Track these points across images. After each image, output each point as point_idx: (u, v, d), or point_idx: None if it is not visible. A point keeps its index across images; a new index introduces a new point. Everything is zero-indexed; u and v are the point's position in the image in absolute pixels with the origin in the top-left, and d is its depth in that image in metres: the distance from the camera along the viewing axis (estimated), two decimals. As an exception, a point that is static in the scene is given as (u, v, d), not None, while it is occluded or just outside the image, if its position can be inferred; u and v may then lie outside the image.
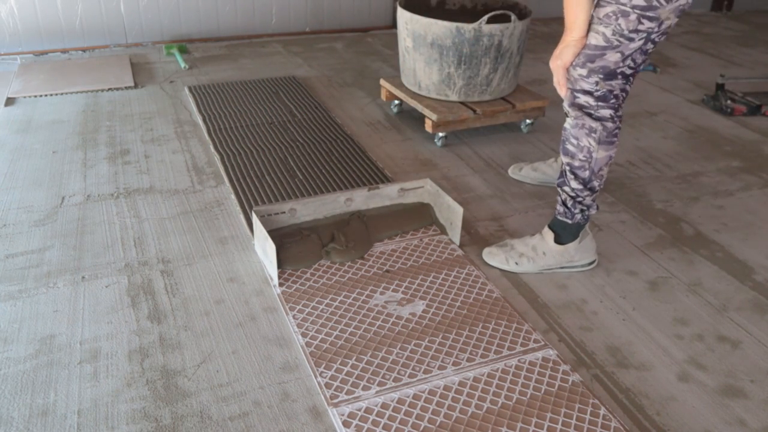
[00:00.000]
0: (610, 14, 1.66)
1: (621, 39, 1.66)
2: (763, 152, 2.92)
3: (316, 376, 1.57)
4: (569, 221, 1.93)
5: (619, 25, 1.64)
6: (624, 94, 1.79)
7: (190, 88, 3.37)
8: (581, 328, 1.78)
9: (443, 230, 2.18)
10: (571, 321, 1.80)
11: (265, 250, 1.92)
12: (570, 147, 1.86)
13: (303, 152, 2.70)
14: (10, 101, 3.19)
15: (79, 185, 2.43)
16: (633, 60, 1.71)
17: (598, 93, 1.76)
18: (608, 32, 1.67)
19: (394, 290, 1.88)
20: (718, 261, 2.10)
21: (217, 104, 3.18)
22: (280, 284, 1.89)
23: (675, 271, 2.03)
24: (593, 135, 1.81)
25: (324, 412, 1.48)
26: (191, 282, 1.91)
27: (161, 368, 1.59)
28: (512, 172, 2.58)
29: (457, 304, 1.83)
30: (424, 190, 2.27)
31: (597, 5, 1.68)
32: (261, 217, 2.01)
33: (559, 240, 1.97)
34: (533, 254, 1.98)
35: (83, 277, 1.91)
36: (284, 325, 1.74)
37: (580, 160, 1.84)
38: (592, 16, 1.69)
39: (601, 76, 1.73)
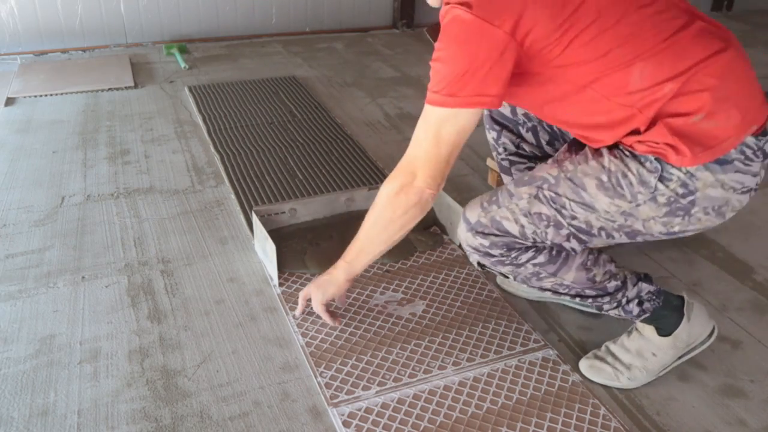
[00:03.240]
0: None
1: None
2: (763, 152, 2.92)
3: (316, 376, 1.57)
4: (640, 317, 1.55)
5: (544, 230, 1.38)
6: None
7: (190, 88, 3.37)
8: (581, 328, 1.78)
9: (443, 230, 2.18)
10: (571, 321, 1.80)
11: (265, 250, 1.92)
12: (547, 288, 1.53)
13: (303, 152, 2.70)
14: (10, 101, 3.19)
15: (79, 185, 2.43)
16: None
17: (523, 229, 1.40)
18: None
19: (394, 290, 1.88)
20: (718, 261, 2.10)
21: (217, 104, 3.18)
22: (280, 284, 1.89)
23: (675, 271, 2.03)
24: (541, 276, 1.47)
25: (324, 412, 1.48)
26: (191, 282, 1.91)
27: (161, 368, 1.59)
28: (501, 281, 1.93)
29: (457, 304, 1.83)
30: None
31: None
32: (261, 217, 2.01)
33: (663, 332, 1.55)
34: (642, 361, 1.56)
35: (83, 277, 1.91)
36: (284, 325, 1.74)
37: (566, 292, 1.52)
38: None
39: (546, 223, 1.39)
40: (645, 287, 1.52)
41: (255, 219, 1.97)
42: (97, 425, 1.43)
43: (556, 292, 1.52)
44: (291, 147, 2.74)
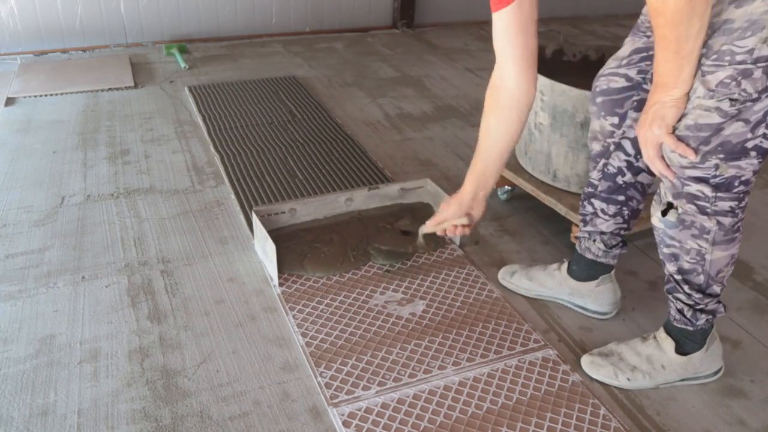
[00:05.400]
0: (727, 81, 1.23)
1: (742, 106, 1.25)
2: (763, 152, 2.92)
3: (316, 376, 1.57)
4: (690, 328, 1.54)
5: (744, 90, 1.22)
6: (755, 176, 1.34)
7: (190, 88, 3.37)
8: (581, 328, 1.78)
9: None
10: (571, 321, 1.80)
11: (265, 250, 1.92)
12: (668, 252, 1.46)
13: (303, 152, 2.70)
14: (10, 101, 3.19)
15: (79, 185, 2.43)
16: None
17: (718, 180, 1.32)
18: (724, 105, 1.25)
19: (394, 290, 1.88)
20: (718, 261, 2.10)
21: (217, 104, 3.18)
22: (280, 284, 1.88)
23: (675, 271, 2.03)
24: (705, 236, 1.38)
25: (324, 412, 1.48)
26: (191, 282, 1.91)
27: (161, 368, 1.59)
28: (502, 277, 1.96)
29: (457, 304, 1.83)
30: (424, 190, 2.26)
31: (701, 72, 1.26)
32: (261, 217, 2.00)
33: (681, 350, 1.57)
34: (649, 368, 1.57)
35: (83, 277, 1.91)
36: (284, 325, 1.74)
37: (688, 262, 1.44)
38: (696, 87, 1.27)
39: (722, 156, 1.29)
40: (721, 310, 1.51)
41: (255, 219, 1.97)
42: (97, 425, 1.43)
43: (673, 257, 1.45)
44: (291, 147, 2.74)
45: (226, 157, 2.64)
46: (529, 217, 2.31)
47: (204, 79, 3.56)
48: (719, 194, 1.33)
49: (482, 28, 4.81)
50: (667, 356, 1.57)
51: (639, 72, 1.53)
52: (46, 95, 3.28)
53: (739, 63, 1.21)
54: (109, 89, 3.38)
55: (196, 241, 2.10)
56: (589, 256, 1.76)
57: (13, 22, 3.80)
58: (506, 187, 2.40)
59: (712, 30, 1.24)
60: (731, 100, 1.24)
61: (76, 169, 2.55)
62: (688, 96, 1.28)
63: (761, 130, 1.27)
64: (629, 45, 1.55)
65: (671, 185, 1.38)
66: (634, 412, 1.52)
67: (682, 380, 1.59)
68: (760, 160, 1.31)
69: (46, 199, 2.33)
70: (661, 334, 1.59)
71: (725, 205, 1.34)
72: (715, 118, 1.26)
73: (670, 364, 1.56)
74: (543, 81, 2.00)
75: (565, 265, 1.85)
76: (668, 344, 1.57)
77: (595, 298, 1.80)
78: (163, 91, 3.40)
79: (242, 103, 3.20)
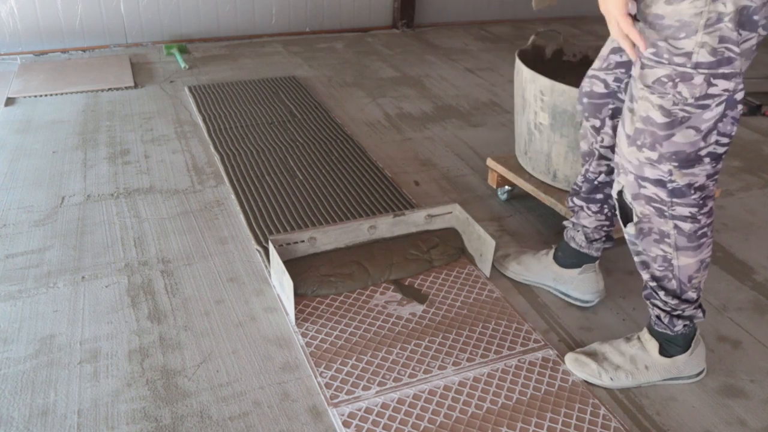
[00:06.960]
0: (664, 80, 1.23)
1: (688, 109, 1.23)
2: (763, 152, 2.92)
3: (316, 376, 1.57)
4: (670, 333, 1.55)
5: (680, 93, 1.22)
6: (714, 181, 1.34)
7: (190, 88, 3.37)
8: (581, 328, 1.78)
9: (472, 261, 2.03)
10: (571, 321, 1.80)
11: (282, 283, 1.79)
12: (639, 260, 1.49)
13: (303, 152, 2.70)
14: (10, 101, 3.19)
15: (79, 185, 2.43)
16: (720, 133, 1.26)
17: (673, 185, 1.32)
18: (666, 103, 1.25)
19: (394, 290, 1.88)
20: (718, 261, 2.10)
21: (217, 104, 3.18)
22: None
23: (675, 271, 2.03)
24: (666, 240, 1.39)
25: (324, 412, 1.48)
26: (191, 282, 1.91)
27: (161, 368, 1.59)
28: (495, 259, 1.98)
29: (457, 304, 1.83)
30: (452, 216, 2.12)
31: (640, 63, 1.27)
32: (278, 247, 1.86)
33: (665, 352, 1.56)
34: (632, 368, 1.57)
35: (83, 277, 1.91)
36: (284, 325, 1.74)
37: (658, 269, 1.45)
38: (636, 78, 1.27)
39: (676, 164, 1.29)
40: (699, 315, 1.52)
41: (272, 250, 1.84)
42: (97, 425, 1.43)
43: (644, 265, 1.47)
44: (291, 147, 2.74)
45: (226, 157, 2.64)
46: (529, 217, 2.31)
47: (204, 79, 3.56)
48: (675, 199, 1.34)
49: (482, 28, 4.81)
50: (651, 357, 1.57)
51: (615, 80, 1.54)
52: (46, 95, 3.28)
53: (678, 65, 1.20)
54: (109, 89, 3.38)
55: (196, 241, 2.10)
56: (573, 245, 1.80)
57: (13, 22, 3.80)
58: (506, 187, 2.40)
59: (643, 20, 1.23)
60: (673, 101, 1.24)
61: (76, 169, 2.55)
62: None
63: (713, 138, 1.26)
64: (609, 43, 1.57)
65: (630, 184, 1.38)
66: (634, 412, 1.52)
67: (664, 380, 1.59)
68: (714, 165, 1.31)
69: (46, 199, 2.33)
70: (645, 335, 1.59)
71: (684, 210, 1.35)
72: (660, 117, 1.26)
73: (653, 365, 1.57)
74: (543, 81, 2.00)
75: (552, 251, 1.88)
76: (652, 345, 1.57)
77: (577, 285, 1.83)
78: (163, 91, 3.40)
79: (242, 103, 3.20)
